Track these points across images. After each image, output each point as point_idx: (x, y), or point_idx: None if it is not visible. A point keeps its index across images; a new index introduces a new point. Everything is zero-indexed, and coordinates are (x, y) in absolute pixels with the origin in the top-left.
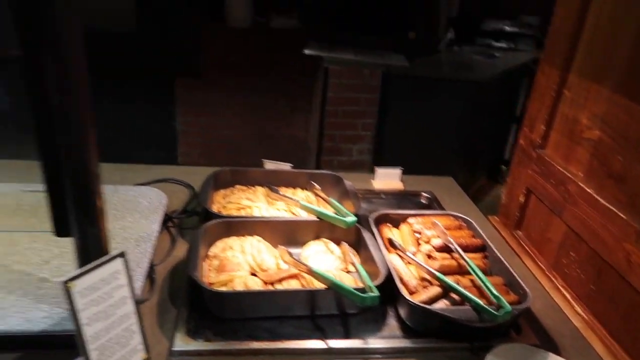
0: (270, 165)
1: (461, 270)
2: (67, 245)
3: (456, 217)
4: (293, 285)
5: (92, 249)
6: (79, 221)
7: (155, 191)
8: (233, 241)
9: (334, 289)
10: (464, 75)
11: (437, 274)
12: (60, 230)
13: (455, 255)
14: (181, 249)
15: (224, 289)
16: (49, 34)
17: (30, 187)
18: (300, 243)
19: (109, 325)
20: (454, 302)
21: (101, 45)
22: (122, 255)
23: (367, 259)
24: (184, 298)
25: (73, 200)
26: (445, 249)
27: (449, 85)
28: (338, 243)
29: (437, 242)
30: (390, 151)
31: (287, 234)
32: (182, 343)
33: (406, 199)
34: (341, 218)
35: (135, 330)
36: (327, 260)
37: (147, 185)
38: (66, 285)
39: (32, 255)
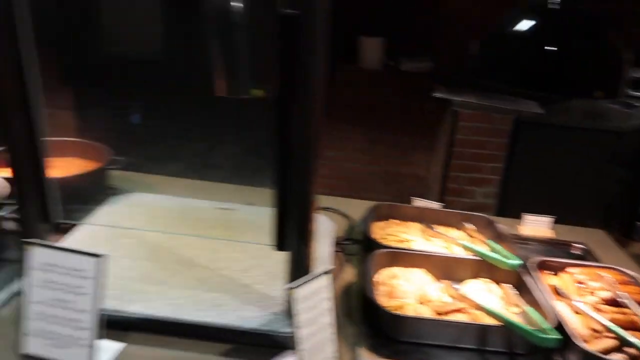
0: (419, 203)
1: (633, 327)
2: (260, 258)
3: (622, 272)
4: (460, 318)
5: (301, 264)
6: (297, 239)
7: (323, 218)
8: (398, 270)
9: (509, 327)
10: (598, 124)
11: (613, 326)
12: (281, 245)
13: (627, 310)
14: (347, 273)
15: (399, 313)
16: (303, 82)
17: (220, 205)
18: (457, 280)
19: (314, 331)
20: (632, 358)
21: None
22: (328, 272)
23: (531, 303)
24: (359, 317)
25: (294, 221)
26: (613, 302)
27: (583, 134)
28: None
29: (606, 294)
30: (515, 197)
31: (446, 269)
32: (366, 357)
33: (557, 248)
34: (505, 260)
35: (331, 340)
36: (489, 299)
37: None
38: (290, 291)
39: (234, 263)
